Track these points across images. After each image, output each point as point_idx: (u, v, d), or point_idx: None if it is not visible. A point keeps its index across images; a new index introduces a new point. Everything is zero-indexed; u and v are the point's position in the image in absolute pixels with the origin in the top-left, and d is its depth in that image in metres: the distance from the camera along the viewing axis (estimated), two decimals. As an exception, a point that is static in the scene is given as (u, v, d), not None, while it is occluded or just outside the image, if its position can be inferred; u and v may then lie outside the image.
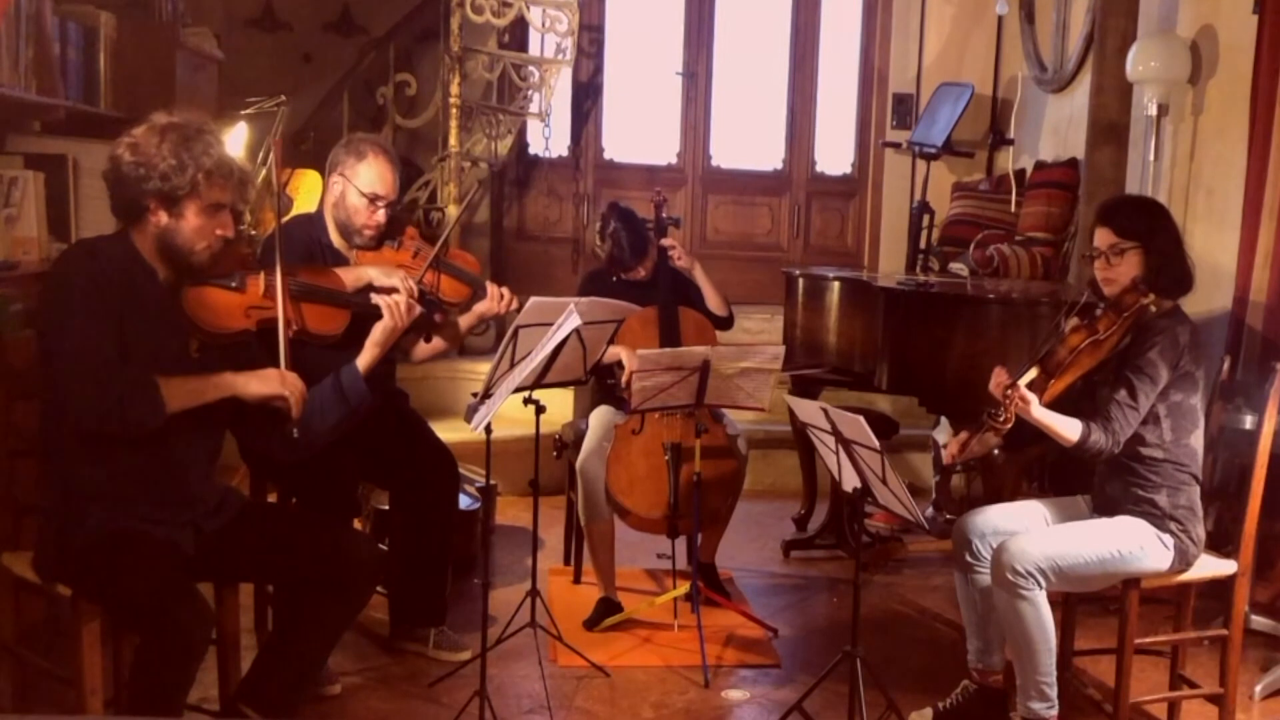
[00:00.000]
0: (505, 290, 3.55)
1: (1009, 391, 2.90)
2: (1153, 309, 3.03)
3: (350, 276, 3.36)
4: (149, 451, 2.61)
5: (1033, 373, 2.97)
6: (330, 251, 3.51)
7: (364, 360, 2.94)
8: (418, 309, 3.05)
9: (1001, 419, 2.90)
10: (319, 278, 2.97)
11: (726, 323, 4.33)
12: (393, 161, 3.50)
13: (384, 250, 3.51)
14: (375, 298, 3.00)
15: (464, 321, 3.59)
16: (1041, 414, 2.94)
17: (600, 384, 4.17)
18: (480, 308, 3.55)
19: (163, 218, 2.61)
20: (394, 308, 2.98)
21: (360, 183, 3.42)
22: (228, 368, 2.68)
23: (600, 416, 4.07)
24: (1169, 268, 3.07)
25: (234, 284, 2.73)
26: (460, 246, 5.47)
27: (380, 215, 3.45)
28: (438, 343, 3.53)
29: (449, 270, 3.51)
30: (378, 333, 2.97)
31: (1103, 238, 3.11)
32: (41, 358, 2.64)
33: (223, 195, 2.64)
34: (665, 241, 4.17)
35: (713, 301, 4.26)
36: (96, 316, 2.53)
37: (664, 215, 4.23)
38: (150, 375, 2.55)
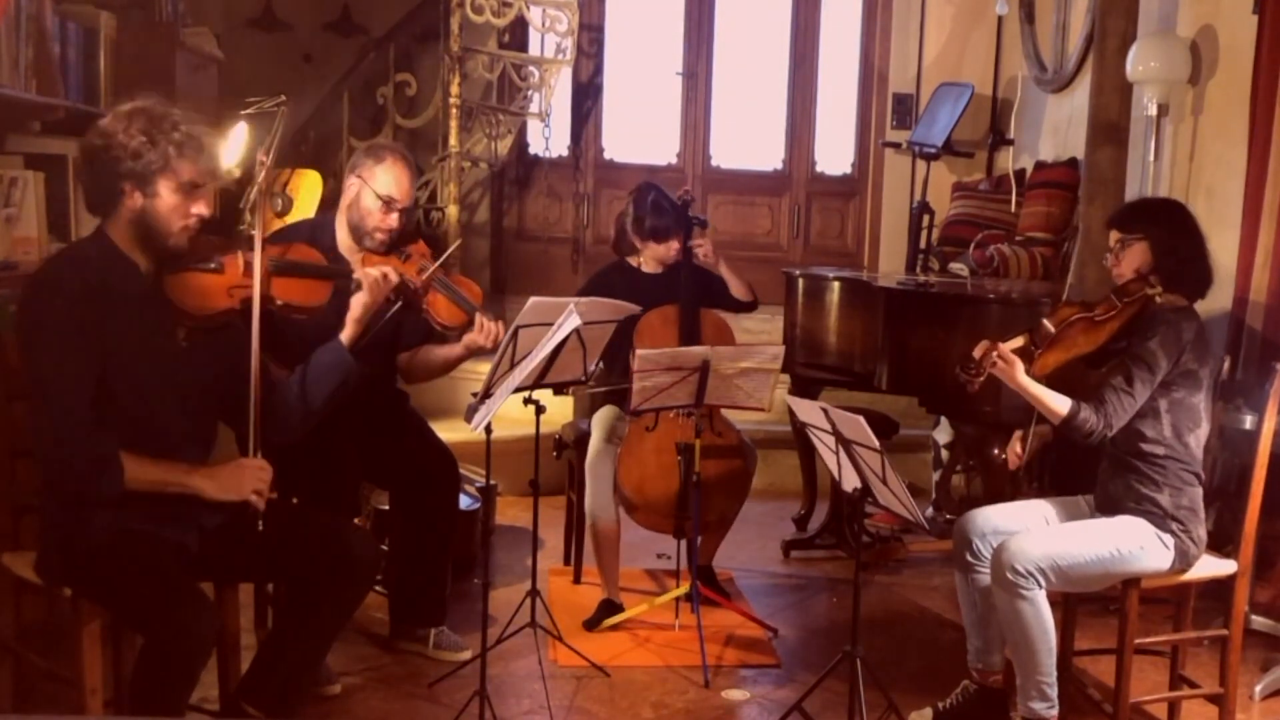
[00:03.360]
0: (497, 325, 3.50)
1: (990, 351, 2.96)
2: (1158, 299, 3.04)
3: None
4: (153, 454, 2.62)
5: (1019, 340, 3.02)
6: (331, 255, 3.50)
7: (346, 335, 3.04)
8: (395, 279, 3.14)
9: (972, 371, 2.97)
10: (296, 253, 3.03)
11: (750, 307, 4.38)
12: (410, 169, 3.56)
13: (390, 259, 3.49)
14: (356, 271, 3.13)
15: (453, 351, 3.58)
16: (1026, 382, 2.98)
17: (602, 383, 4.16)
18: (469, 338, 3.51)
19: (138, 199, 2.61)
20: (374, 281, 3.08)
21: (376, 185, 3.46)
22: (216, 352, 2.76)
23: (605, 416, 4.07)
24: (1177, 261, 3.09)
25: (213, 266, 2.77)
26: (461, 246, 5.47)
27: (393, 219, 3.48)
28: (452, 349, 3.58)
29: (450, 294, 3.47)
30: (356, 308, 3.07)
31: (1112, 237, 3.18)
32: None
33: (194, 172, 2.65)
34: (693, 242, 4.11)
35: (737, 289, 4.29)
36: (73, 352, 2.53)
37: (690, 215, 4.11)
38: (116, 450, 2.56)
